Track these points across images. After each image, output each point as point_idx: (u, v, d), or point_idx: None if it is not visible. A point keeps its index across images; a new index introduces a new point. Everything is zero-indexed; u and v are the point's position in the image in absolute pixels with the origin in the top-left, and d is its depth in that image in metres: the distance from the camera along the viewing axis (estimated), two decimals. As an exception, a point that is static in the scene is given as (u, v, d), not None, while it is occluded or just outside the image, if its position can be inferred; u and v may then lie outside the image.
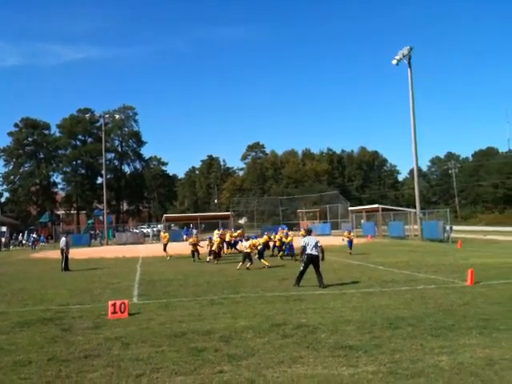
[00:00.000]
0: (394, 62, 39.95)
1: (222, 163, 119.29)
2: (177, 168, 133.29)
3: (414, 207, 41.93)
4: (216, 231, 29.52)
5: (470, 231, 47.70)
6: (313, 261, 14.28)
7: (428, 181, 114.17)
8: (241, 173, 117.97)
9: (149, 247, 40.27)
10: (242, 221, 67.32)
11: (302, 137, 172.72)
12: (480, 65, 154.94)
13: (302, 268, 14.43)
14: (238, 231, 33.71)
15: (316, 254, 14.34)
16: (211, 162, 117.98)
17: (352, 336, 8.33)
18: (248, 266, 19.72)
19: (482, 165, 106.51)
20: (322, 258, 14.67)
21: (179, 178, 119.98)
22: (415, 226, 40.82)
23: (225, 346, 7.95)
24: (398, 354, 7.13)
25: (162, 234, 30.51)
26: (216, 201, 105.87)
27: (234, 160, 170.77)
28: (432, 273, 16.64)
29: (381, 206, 48.22)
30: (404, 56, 39.19)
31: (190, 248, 25.50)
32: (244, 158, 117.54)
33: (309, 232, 15.97)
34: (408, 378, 6.12)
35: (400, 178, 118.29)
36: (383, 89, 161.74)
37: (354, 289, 13.73)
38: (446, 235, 35.29)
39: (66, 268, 22.22)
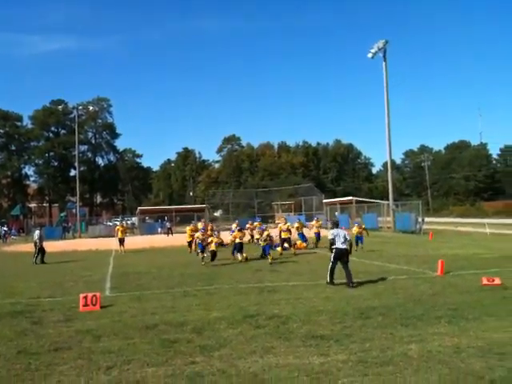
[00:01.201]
0: (370, 55, 40.21)
1: (197, 156, 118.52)
2: (151, 160, 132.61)
3: (388, 199, 42.45)
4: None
5: (441, 223, 48.54)
6: (342, 256, 13.12)
7: (401, 173, 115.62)
8: (216, 165, 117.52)
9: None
10: (217, 213, 67.24)
11: (278, 129, 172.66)
12: (453, 59, 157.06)
13: (331, 264, 13.12)
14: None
15: (345, 248, 13.17)
16: (187, 155, 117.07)
17: (324, 326, 8.42)
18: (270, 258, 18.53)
19: (454, 158, 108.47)
20: (350, 252, 13.51)
21: (154, 170, 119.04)
22: (388, 218, 41.35)
23: (197, 337, 7.96)
24: (368, 343, 7.25)
25: (117, 227, 28.93)
26: (191, 193, 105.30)
27: (209, 153, 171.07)
28: (403, 264, 16.91)
29: (355, 199, 48.67)
30: (379, 49, 39.47)
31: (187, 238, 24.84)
32: (220, 150, 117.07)
33: (336, 224, 14.20)
34: (377, 366, 6.23)
35: (374, 170, 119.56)
36: (359, 82, 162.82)
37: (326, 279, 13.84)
38: (418, 227, 35.85)
39: (42, 261, 22.02)
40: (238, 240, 19.44)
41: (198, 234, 20.61)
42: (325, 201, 54.57)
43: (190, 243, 24.16)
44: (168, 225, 46.63)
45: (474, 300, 10.35)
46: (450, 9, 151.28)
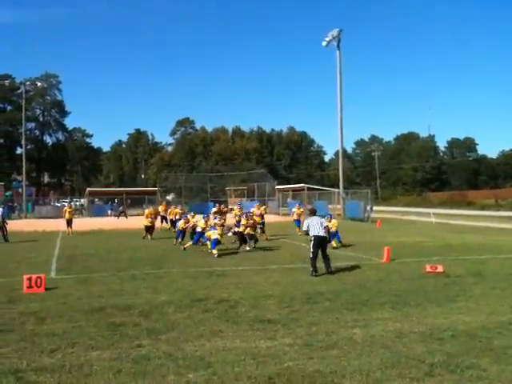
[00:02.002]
0: (324, 43, 40.47)
1: (150, 138, 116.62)
2: (102, 141, 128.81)
3: (339, 187, 43.18)
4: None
5: (389, 211, 49.83)
6: (321, 243, 12.68)
7: (352, 162, 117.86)
8: (169, 148, 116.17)
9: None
10: (169, 197, 66.50)
11: (233, 114, 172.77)
12: (405, 51, 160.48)
13: (311, 254, 12.52)
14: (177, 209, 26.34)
15: (324, 235, 12.73)
16: (139, 136, 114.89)
17: (272, 310, 8.51)
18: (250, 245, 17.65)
19: (403, 148, 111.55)
20: (328, 240, 13.35)
21: (105, 151, 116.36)
22: (338, 206, 42.09)
23: (144, 320, 7.89)
24: (315, 327, 7.38)
25: (65, 208, 28.12)
26: (143, 176, 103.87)
27: (162, 135, 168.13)
28: (351, 250, 17.29)
29: (306, 186, 49.22)
30: (334, 38, 39.75)
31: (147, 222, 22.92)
32: (173, 133, 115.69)
33: (313, 212, 13.56)
34: (322, 349, 6.35)
35: (326, 158, 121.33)
36: (313, 70, 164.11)
37: (277, 264, 14.03)
38: (366, 215, 36.69)
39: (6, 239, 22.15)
40: (248, 230, 17.57)
41: (201, 222, 18.38)
42: (277, 187, 54.93)
43: (148, 228, 22.79)
44: (121, 208, 45.71)
45: (417, 287, 10.69)
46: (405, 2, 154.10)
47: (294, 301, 9.23)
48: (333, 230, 17.15)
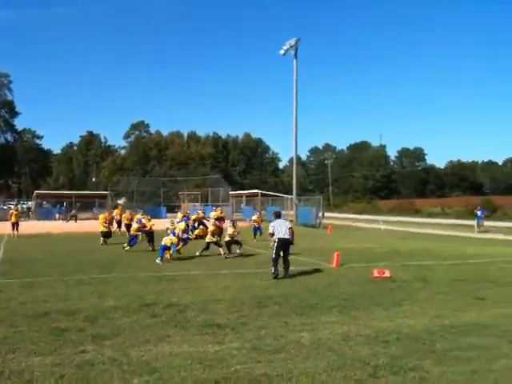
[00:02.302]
0: (282, 51, 40.81)
1: (102, 140, 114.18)
2: (53, 143, 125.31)
3: (292, 194, 43.59)
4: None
5: (340, 218, 50.63)
6: (284, 245, 12.98)
7: (306, 169, 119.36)
8: (122, 152, 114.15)
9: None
10: (120, 201, 65.29)
11: (189, 119, 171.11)
12: (359, 61, 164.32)
13: (274, 256, 12.78)
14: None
15: (288, 237, 13.05)
16: (91, 139, 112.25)
17: (221, 314, 8.47)
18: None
19: (356, 157, 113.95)
20: (292, 242, 13.50)
21: (55, 153, 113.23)
22: (291, 212, 42.47)
23: (90, 326, 7.70)
24: (263, 331, 7.39)
25: (11, 211, 27.49)
26: (94, 179, 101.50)
27: (115, 138, 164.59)
28: (302, 255, 17.41)
29: (260, 192, 49.52)
30: (291, 47, 40.15)
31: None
32: (127, 136, 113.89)
33: (278, 215, 13.95)
34: (270, 353, 6.37)
35: (281, 165, 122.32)
36: (270, 77, 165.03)
37: (228, 269, 13.99)
38: (318, 221, 37.17)
39: None
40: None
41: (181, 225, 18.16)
42: (231, 193, 54.97)
43: (106, 234, 21.65)
44: (73, 211, 44.55)
45: (365, 291, 10.89)
46: (360, 11, 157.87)
47: (243, 305, 9.22)
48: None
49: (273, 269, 12.58)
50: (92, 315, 8.36)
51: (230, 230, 17.52)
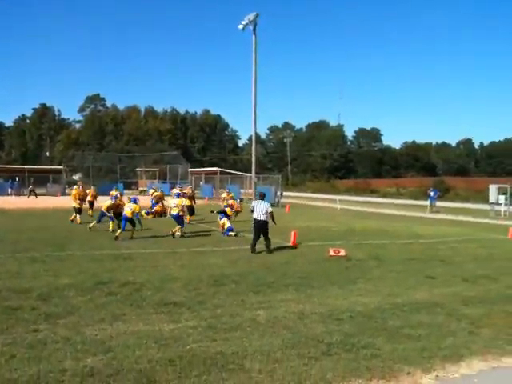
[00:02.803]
0: (241, 26, 40.17)
1: (56, 113, 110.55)
2: (4, 115, 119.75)
3: (251, 172, 43.59)
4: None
5: (298, 197, 51.18)
6: (261, 227, 13.63)
7: (265, 148, 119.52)
8: (78, 125, 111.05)
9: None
10: (76, 176, 63.83)
11: (146, 93, 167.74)
12: (319, 40, 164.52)
13: (252, 235, 13.81)
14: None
15: (264, 220, 13.66)
16: (44, 112, 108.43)
17: (177, 293, 8.45)
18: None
19: (314, 136, 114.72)
20: (274, 222, 14.08)
21: (6, 126, 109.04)
22: (250, 190, 42.52)
23: (43, 304, 7.54)
24: (220, 310, 7.43)
25: None
26: (48, 154, 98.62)
27: (70, 111, 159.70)
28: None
29: (219, 169, 49.30)
30: (250, 22, 39.53)
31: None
32: (82, 109, 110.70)
33: (261, 196, 14.43)
34: (226, 331, 6.41)
35: (240, 143, 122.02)
36: (230, 53, 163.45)
37: (186, 248, 13.92)
38: (276, 200, 37.39)
39: None
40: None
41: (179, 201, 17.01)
42: (190, 170, 54.53)
43: (79, 210, 20.25)
44: (31, 187, 43.28)
45: (321, 269, 11.09)
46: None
47: (200, 283, 9.23)
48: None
49: (250, 249, 13.42)
50: (45, 293, 8.18)
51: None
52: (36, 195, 41.54)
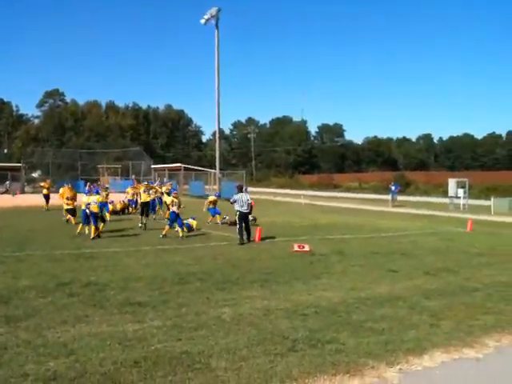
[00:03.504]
0: (203, 21, 39.99)
1: (14, 109, 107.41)
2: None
3: (215, 168, 43.46)
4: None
5: (262, 193, 51.24)
6: (245, 217, 14.98)
7: (229, 143, 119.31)
8: (36, 121, 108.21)
9: None
10: (35, 174, 62.27)
11: (107, 88, 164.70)
12: (283, 37, 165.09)
13: (238, 227, 14.87)
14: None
15: (246, 211, 15.03)
16: (2, 107, 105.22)
17: (142, 292, 8.35)
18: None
19: (278, 132, 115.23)
20: (250, 213, 15.69)
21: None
22: (215, 186, 42.40)
23: (3, 307, 7.35)
24: (185, 308, 7.37)
25: None
26: (6, 150, 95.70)
27: (28, 106, 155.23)
28: (224, 230, 17.53)
29: (183, 166, 48.98)
30: (212, 16, 39.38)
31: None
32: (40, 105, 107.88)
33: (240, 189, 15.73)
34: (191, 330, 6.37)
35: (204, 139, 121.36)
36: (192, 47, 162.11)
37: (150, 246, 13.78)
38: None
39: None
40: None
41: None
42: (153, 166, 53.96)
43: (72, 211, 19.11)
44: (7, 184, 42.25)
45: (285, 265, 11.16)
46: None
47: (165, 282, 9.14)
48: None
49: (239, 237, 14.49)
50: (5, 296, 7.97)
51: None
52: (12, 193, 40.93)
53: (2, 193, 41.77)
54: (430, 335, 6.38)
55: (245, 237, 14.78)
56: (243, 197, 15.15)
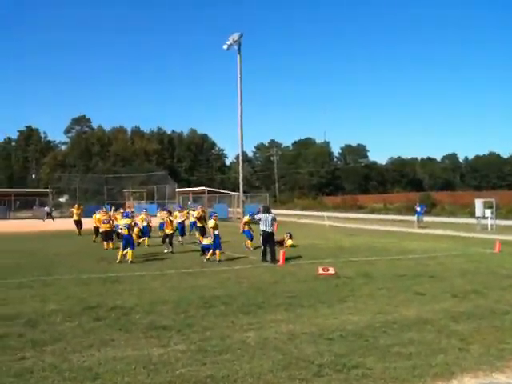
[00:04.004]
0: (225, 46, 40.45)
1: (42, 136, 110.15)
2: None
3: (239, 191, 43.62)
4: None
5: (286, 215, 51.14)
6: (267, 237, 15.24)
7: (252, 166, 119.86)
8: (64, 147, 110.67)
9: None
10: (62, 199, 63.42)
11: (132, 114, 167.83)
12: (304, 59, 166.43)
13: (262, 247, 15.42)
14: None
15: (270, 231, 15.28)
16: (30, 134, 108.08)
17: (167, 316, 8.37)
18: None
19: (301, 153, 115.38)
20: (273, 233, 15.59)
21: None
22: (238, 209, 42.51)
23: (30, 331, 7.44)
24: (209, 332, 7.35)
25: None
26: (34, 176, 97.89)
27: (56, 133, 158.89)
28: (249, 253, 17.50)
29: (207, 189, 49.34)
30: (234, 42, 39.84)
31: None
32: (68, 131, 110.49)
33: (266, 209, 16.30)
34: (216, 354, 6.34)
35: (227, 162, 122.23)
36: (215, 72, 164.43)
37: (174, 269, 13.84)
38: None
39: None
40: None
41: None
42: (178, 190, 54.47)
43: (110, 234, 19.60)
44: (47, 209, 42.92)
45: (310, 288, 11.05)
46: (304, 9, 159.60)
47: (190, 306, 9.14)
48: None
49: (261, 257, 15.20)
50: (33, 320, 8.08)
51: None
52: (53, 218, 41.22)
53: (48, 217, 41.94)
54: (459, 359, 6.22)
55: (268, 257, 15.08)
56: (268, 217, 15.44)
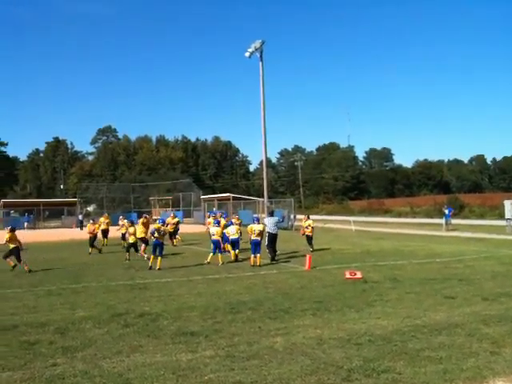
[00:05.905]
0: (247, 54, 40.60)
1: (69, 146, 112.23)
2: (18, 149, 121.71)
3: (263, 196, 43.63)
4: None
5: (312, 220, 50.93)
6: (272, 238, 16.76)
7: (276, 172, 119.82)
8: (90, 157, 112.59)
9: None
10: (90, 208, 64.40)
11: (157, 123, 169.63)
12: (326, 64, 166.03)
13: (266, 245, 16.69)
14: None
15: (274, 232, 16.85)
16: (57, 145, 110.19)
17: (194, 322, 8.41)
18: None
19: (325, 158, 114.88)
20: (277, 235, 17.24)
21: (21, 160, 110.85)
22: (263, 215, 42.47)
23: (60, 338, 7.56)
24: (237, 338, 7.36)
25: None
26: (62, 186, 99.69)
27: (83, 144, 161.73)
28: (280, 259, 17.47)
29: (232, 195, 49.48)
30: (256, 49, 39.95)
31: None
32: (94, 141, 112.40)
33: (271, 213, 18.18)
34: (244, 360, 6.34)
35: (251, 168, 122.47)
36: (238, 79, 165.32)
37: (201, 275, 13.90)
38: (289, 223, 37.27)
39: None
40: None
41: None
42: (203, 197, 54.77)
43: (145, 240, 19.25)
44: (80, 217, 43.73)
45: (337, 293, 10.97)
46: (323, 13, 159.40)
47: (217, 312, 9.17)
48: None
49: (269, 256, 16.49)
50: (62, 327, 8.21)
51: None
52: (82, 227, 41.84)
53: (81, 225, 42.36)
54: (491, 363, 6.09)
55: (274, 254, 16.72)
56: (271, 220, 17.04)
